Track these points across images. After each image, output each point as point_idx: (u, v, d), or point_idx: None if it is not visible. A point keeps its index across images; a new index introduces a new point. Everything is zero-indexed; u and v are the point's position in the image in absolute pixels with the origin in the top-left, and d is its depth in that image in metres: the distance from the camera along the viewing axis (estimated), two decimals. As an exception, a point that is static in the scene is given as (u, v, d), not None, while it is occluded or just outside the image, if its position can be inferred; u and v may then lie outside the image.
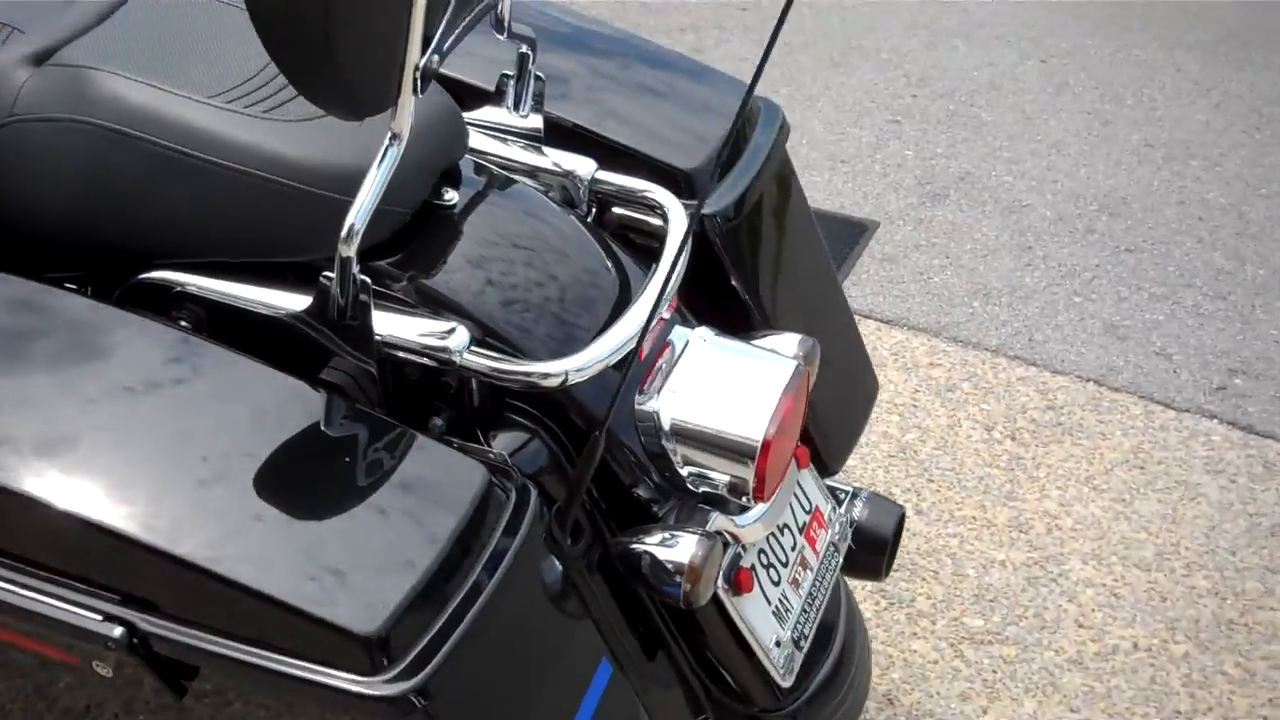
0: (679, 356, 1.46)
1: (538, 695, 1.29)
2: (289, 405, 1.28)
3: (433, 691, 1.12)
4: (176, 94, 1.39)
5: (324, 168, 1.36)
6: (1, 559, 1.21)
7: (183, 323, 1.42)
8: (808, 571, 1.63)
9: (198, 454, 1.21)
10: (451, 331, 1.34)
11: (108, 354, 1.29)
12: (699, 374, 1.45)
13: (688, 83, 1.79)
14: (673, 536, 1.41)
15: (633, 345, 1.36)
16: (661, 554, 1.40)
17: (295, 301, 1.36)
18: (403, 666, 1.14)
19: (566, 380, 1.34)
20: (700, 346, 1.48)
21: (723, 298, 1.68)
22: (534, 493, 1.28)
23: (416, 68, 1.23)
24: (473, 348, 1.33)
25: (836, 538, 1.71)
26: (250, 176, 1.36)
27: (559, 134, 1.63)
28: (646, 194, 1.58)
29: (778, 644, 1.56)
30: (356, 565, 1.17)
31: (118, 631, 1.19)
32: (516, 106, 1.60)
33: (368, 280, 1.29)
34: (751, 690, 1.57)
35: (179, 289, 1.41)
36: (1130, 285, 3.35)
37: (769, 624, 1.55)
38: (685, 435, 1.43)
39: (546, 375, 1.35)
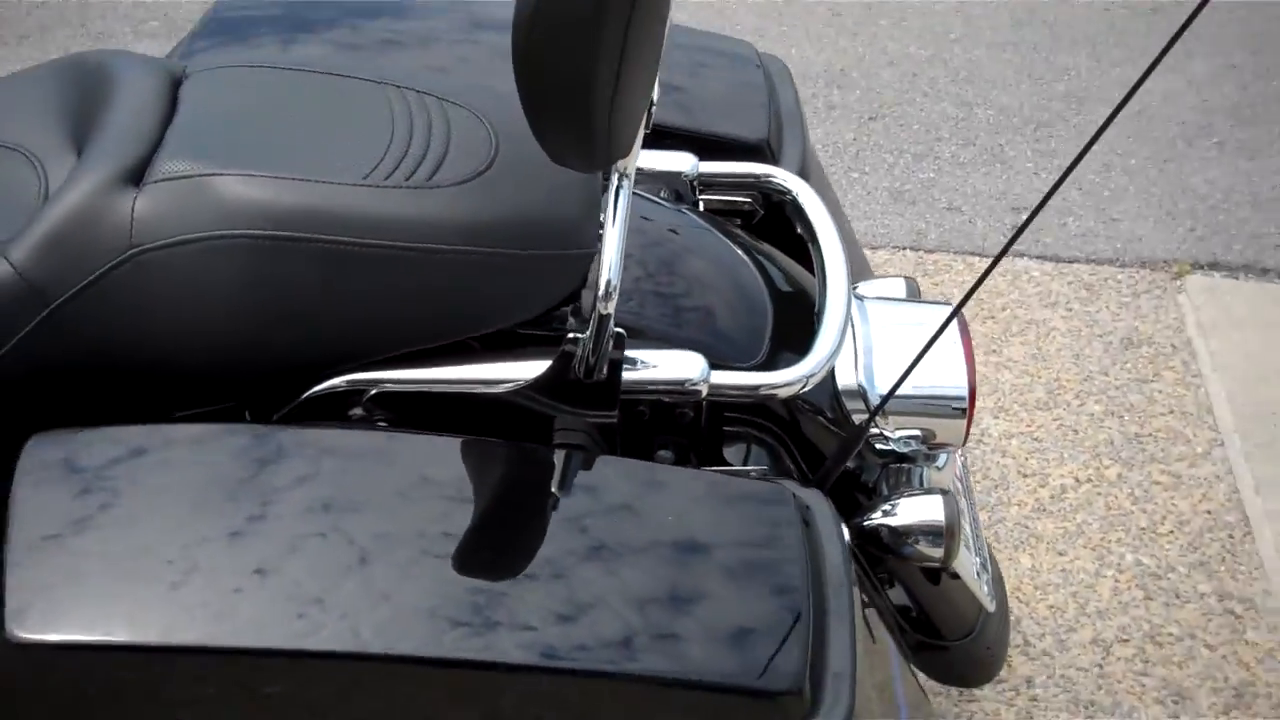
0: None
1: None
2: (579, 480, 1.20)
3: None
4: (328, 183, 1.24)
5: (520, 226, 1.26)
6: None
7: (381, 423, 1.29)
8: (963, 499, 1.68)
9: (542, 556, 1.12)
10: (688, 361, 1.29)
11: (396, 475, 1.17)
12: (878, 337, 1.45)
13: (702, 53, 1.75)
14: (900, 503, 1.42)
15: (839, 339, 1.35)
16: (911, 521, 1.40)
17: (507, 373, 1.27)
18: (824, 707, 1.12)
19: (806, 385, 1.32)
20: (870, 310, 1.48)
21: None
22: (827, 500, 1.26)
23: (652, 105, 1.17)
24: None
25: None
26: (443, 253, 1.24)
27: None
28: (760, 176, 1.55)
29: (978, 573, 1.60)
30: (734, 623, 1.12)
31: None
32: None
33: (623, 333, 1.22)
34: (962, 622, 1.61)
35: (372, 390, 1.28)
36: (891, 150, 3.53)
37: (968, 555, 1.59)
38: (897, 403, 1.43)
39: (788, 383, 1.32)
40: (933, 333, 1.31)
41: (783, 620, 1.12)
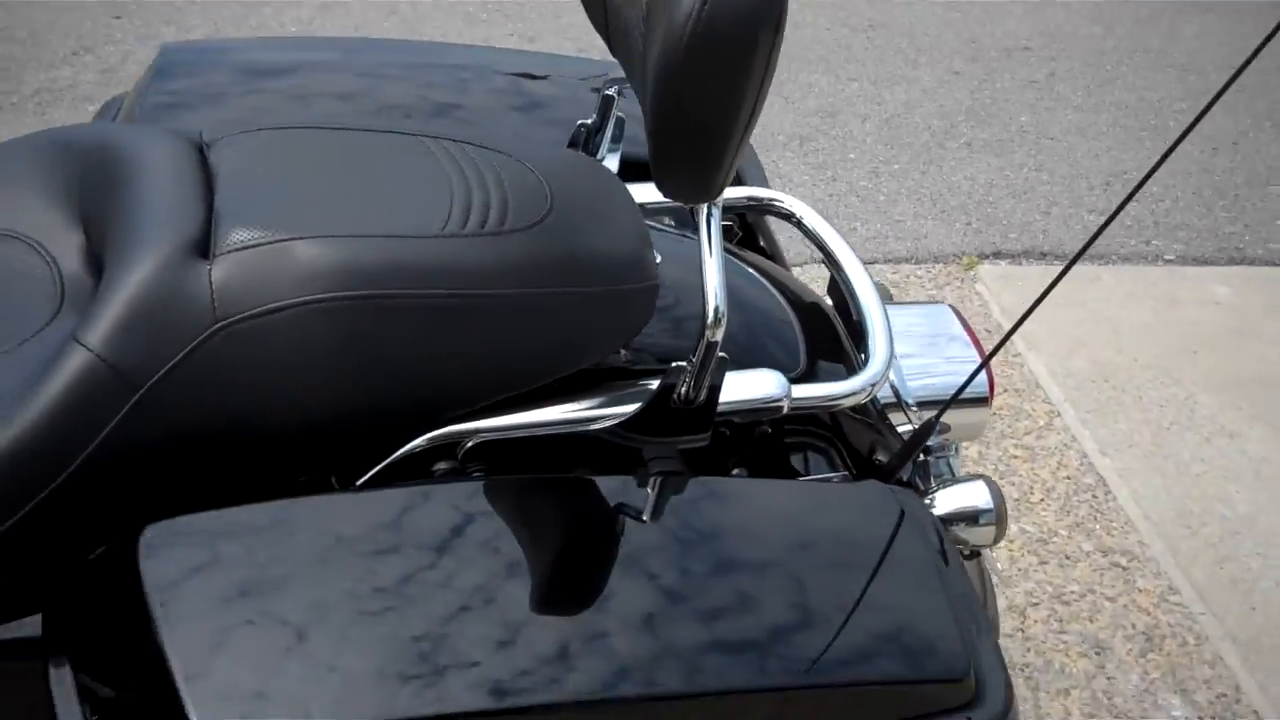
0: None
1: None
2: (698, 504, 1.21)
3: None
4: (407, 238, 1.20)
5: (594, 264, 1.26)
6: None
7: (476, 474, 1.27)
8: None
9: (694, 580, 1.13)
10: (770, 379, 1.32)
11: (524, 519, 1.15)
12: (897, 339, 1.51)
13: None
14: (947, 491, 1.48)
15: (890, 344, 1.41)
16: (962, 507, 1.46)
17: (603, 410, 1.27)
18: (987, 687, 1.17)
19: (872, 392, 1.37)
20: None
21: None
22: (912, 494, 1.32)
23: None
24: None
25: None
26: (527, 297, 1.22)
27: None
28: (765, 200, 1.59)
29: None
30: (890, 620, 1.16)
31: None
32: (597, 149, 1.53)
33: (726, 357, 1.24)
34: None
35: (468, 443, 1.25)
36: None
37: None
38: (927, 402, 1.49)
39: (857, 392, 1.36)
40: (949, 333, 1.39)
41: (932, 610, 1.15)
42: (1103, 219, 3.11)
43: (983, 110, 3.95)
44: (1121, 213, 1.18)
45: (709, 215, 1.17)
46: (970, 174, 3.62)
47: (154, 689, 1.02)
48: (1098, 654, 2.18)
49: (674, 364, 1.19)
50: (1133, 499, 2.49)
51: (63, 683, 1.09)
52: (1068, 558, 2.37)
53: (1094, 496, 2.51)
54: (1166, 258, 3.35)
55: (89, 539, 1.14)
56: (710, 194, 1.11)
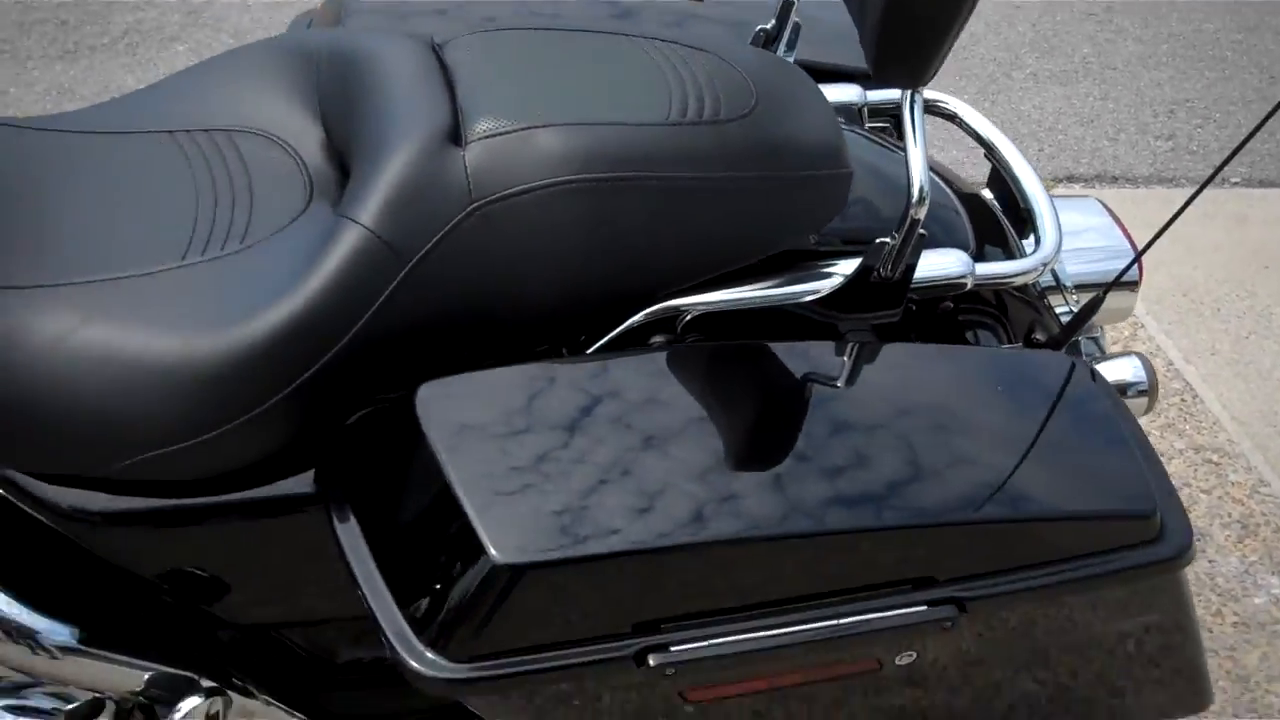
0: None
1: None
2: (900, 366, 1.33)
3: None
4: (644, 125, 1.32)
5: (800, 151, 1.37)
6: (809, 600, 1.19)
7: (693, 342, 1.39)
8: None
9: (908, 431, 1.25)
10: (955, 257, 1.43)
11: (745, 379, 1.28)
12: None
13: None
14: (1102, 366, 1.60)
15: (1059, 227, 1.52)
16: (1116, 380, 1.58)
17: (810, 284, 1.39)
18: (1169, 524, 1.30)
19: (1044, 271, 1.49)
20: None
21: None
22: (1082, 362, 1.44)
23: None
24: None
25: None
26: (744, 180, 1.34)
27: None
28: (935, 102, 1.70)
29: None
30: (1081, 464, 1.29)
31: (948, 610, 1.23)
32: (775, 52, 1.63)
33: (926, 234, 1.35)
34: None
35: (687, 316, 1.37)
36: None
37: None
38: (1082, 286, 1.62)
39: (1031, 270, 1.48)
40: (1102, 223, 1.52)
41: (1119, 455, 1.28)
42: (1170, 144, 3.20)
43: (1045, 43, 4.04)
44: (1187, 139, 1.29)
45: (913, 100, 1.29)
46: (1038, 103, 3.73)
47: (438, 528, 1.15)
48: (1198, 540, 2.31)
49: (877, 240, 1.30)
50: (1219, 402, 2.62)
51: (350, 532, 1.22)
52: (1162, 455, 2.49)
53: (1182, 400, 2.64)
54: (1233, 181, 3.46)
55: (354, 403, 1.27)
56: (923, 79, 1.23)
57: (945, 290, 1.41)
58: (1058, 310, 1.60)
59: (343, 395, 1.25)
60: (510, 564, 1.08)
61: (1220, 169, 1.38)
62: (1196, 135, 3.55)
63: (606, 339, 1.31)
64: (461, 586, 1.11)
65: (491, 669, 1.12)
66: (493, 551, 1.08)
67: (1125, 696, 1.38)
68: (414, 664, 1.12)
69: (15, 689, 1.34)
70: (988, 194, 1.63)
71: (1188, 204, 1.33)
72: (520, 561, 1.08)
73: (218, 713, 1.33)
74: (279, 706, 1.42)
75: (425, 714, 1.53)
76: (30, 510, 1.25)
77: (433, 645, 1.12)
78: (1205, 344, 2.77)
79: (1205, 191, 1.34)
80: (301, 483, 1.28)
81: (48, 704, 1.34)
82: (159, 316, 1.21)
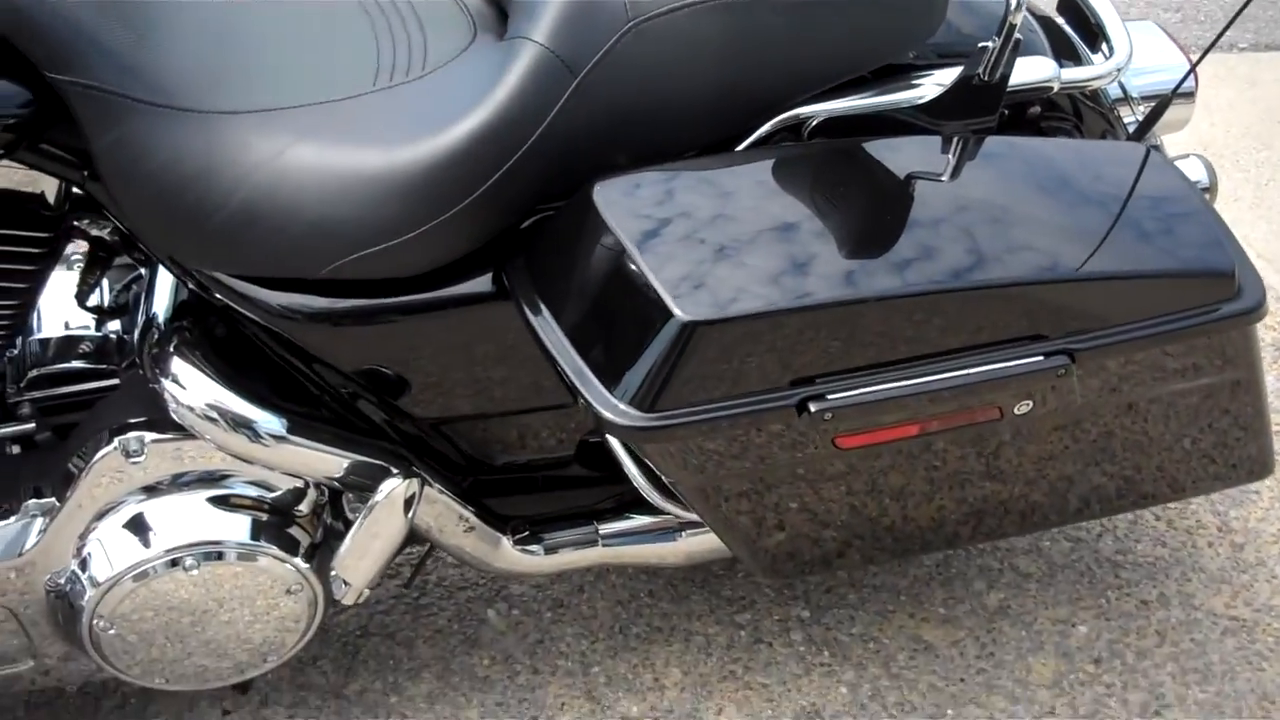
0: None
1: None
2: (1001, 156, 1.49)
3: None
4: None
5: None
6: (944, 355, 1.37)
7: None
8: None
9: (1051, 209, 1.43)
10: (1043, 64, 1.60)
11: (870, 172, 1.46)
12: None
13: None
14: None
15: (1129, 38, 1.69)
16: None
17: (918, 91, 1.55)
18: (1245, 283, 1.48)
19: (1118, 76, 1.66)
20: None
21: None
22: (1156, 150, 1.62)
23: None
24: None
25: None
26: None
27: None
28: None
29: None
30: (1167, 231, 1.47)
31: (1061, 360, 1.41)
32: None
33: (1022, 39, 1.51)
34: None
35: (813, 121, 1.54)
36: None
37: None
38: (1146, 96, 1.79)
39: (1108, 74, 1.65)
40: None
41: (1200, 222, 1.47)
42: (1178, 15, 3.35)
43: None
44: (1194, 10, 1.46)
45: None
46: (1051, -19, 3.88)
47: (623, 299, 1.32)
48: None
49: (979, 44, 1.47)
50: (1245, 242, 2.80)
51: (540, 316, 1.40)
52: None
53: (1210, 241, 2.82)
54: (1240, 46, 3.63)
55: (529, 210, 1.44)
56: None
57: (1035, 94, 1.57)
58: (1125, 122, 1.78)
59: (521, 201, 1.42)
60: (693, 321, 1.26)
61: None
62: (1203, 6, 3.71)
63: (747, 142, 1.48)
64: (648, 345, 1.29)
65: (673, 418, 1.31)
66: (677, 311, 1.26)
67: (1193, 461, 1.57)
68: (607, 414, 1.30)
69: (219, 479, 1.52)
70: (1058, 18, 1.80)
71: (1231, 22, 1.50)
72: (701, 319, 1.27)
73: (414, 495, 1.52)
74: (453, 499, 1.60)
75: (571, 518, 1.72)
76: (243, 310, 1.42)
77: (623, 397, 1.30)
78: (1228, 191, 2.95)
79: (1214, 55, 1.49)
80: (484, 283, 1.45)
81: (252, 492, 1.53)
82: (361, 133, 1.38)
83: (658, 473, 1.41)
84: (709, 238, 1.33)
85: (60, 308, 1.61)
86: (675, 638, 1.90)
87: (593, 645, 1.89)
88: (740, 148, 1.49)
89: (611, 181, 1.37)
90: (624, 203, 1.35)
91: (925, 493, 1.47)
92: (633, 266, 1.30)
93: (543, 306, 1.38)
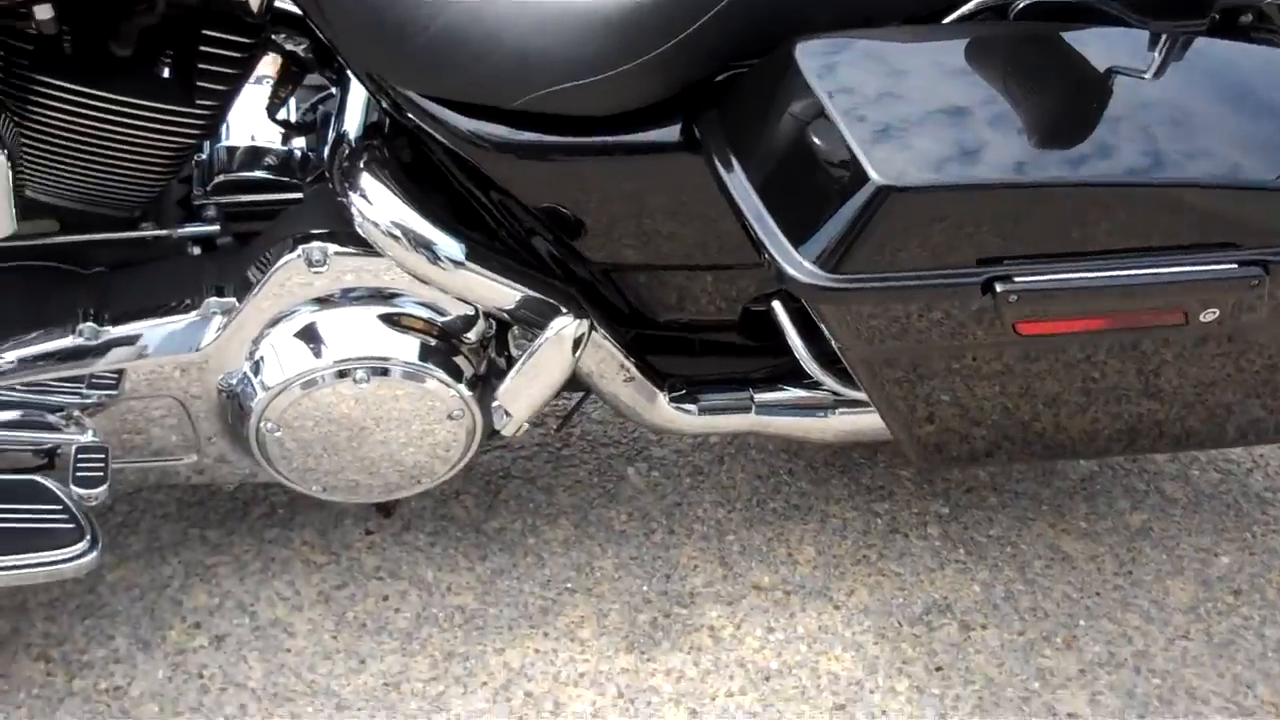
0: None
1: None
2: (1215, 56, 1.45)
3: None
4: None
5: None
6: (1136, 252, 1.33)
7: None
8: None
9: (1258, 115, 1.38)
10: None
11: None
12: None
13: None
14: None
15: None
16: None
17: None
18: None
19: None
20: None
21: None
22: None
23: None
24: None
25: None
26: None
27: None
28: None
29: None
30: None
31: (1256, 271, 1.37)
32: None
33: None
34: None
35: (1019, 4, 1.49)
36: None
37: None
38: None
39: None
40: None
41: None
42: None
43: None
44: None
45: None
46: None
47: (818, 159, 1.31)
48: None
49: None
50: None
51: (730, 168, 1.39)
52: None
53: None
54: None
55: (723, 64, 1.43)
56: None
57: (1247, 2, 1.51)
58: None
59: (718, 53, 1.41)
60: (889, 185, 1.24)
61: None
62: None
63: (953, 16, 1.45)
64: (840, 206, 1.28)
65: (855, 281, 1.30)
66: (873, 175, 1.25)
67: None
68: (790, 271, 1.30)
69: (390, 297, 1.55)
70: None
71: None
72: (897, 184, 1.25)
73: (582, 336, 1.53)
74: (616, 347, 1.61)
75: (726, 382, 1.72)
76: (433, 133, 1.43)
77: (809, 256, 1.29)
78: None
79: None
80: (671, 133, 1.45)
81: (423, 314, 1.55)
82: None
83: (828, 338, 1.40)
84: (908, 107, 1.31)
85: (247, 120, 1.64)
86: (811, 517, 1.90)
87: (729, 514, 1.90)
88: (946, 20, 1.45)
89: (814, 41, 1.36)
90: (825, 63, 1.34)
91: (1081, 403, 1.46)
92: (830, 127, 1.28)
93: (734, 161, 1.37)
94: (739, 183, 1.36)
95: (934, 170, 1.26)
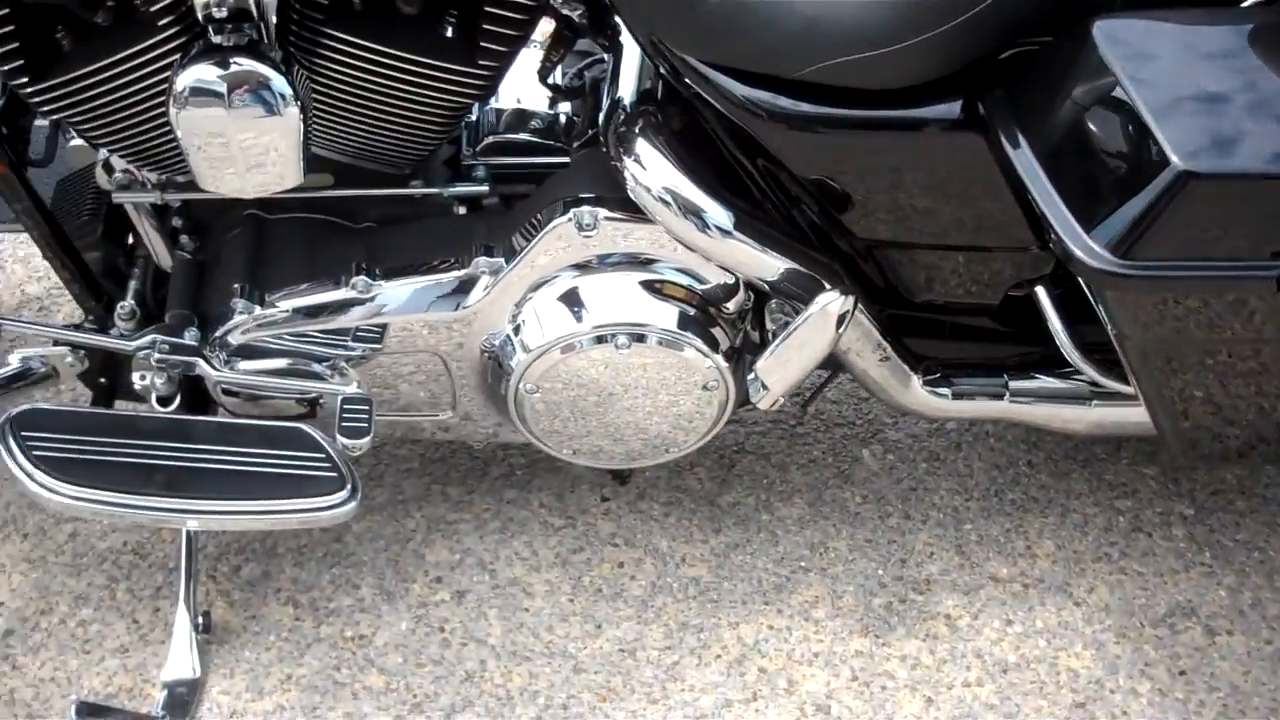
0: None
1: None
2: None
3: None
4: None
5: None
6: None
7: None
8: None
9: None
10: None
11: None
12: None
13: None
14: None
15: None
16: None
17: None
18: None
19: None
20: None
21: None
22: None
23: None
24: None
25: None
26: None
27: None
28: None
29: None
30: None
31: None
32: None
33: None
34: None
35: None
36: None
37: None
38: None
39: None
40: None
41: None
42: None
43: None
44: None
45: None
46: None
47: (1115, 141, 1.27)
48: None
49: None
50: None
51: (1017, 147, 1.35)
52: None
53: None
54: None
55: (1008, 40, 1.39)
56: None
57: None
58: None
59: (1006, 30, 1.38)
60: (1190, 171, 1.20)
61: None
62: None
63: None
64: (1134, 190, 1.24)
65: (1146, 268, 1.26)
66: (1175, 159, 1.20)
67: None
68: (1078, 253, 1.26)
69: (650, 264, 1.54)
70: None
71: None
72: (1199, 170, 1.20)
73: (846, 312, 1.51)
74: (875, 326, 1.59)
75: (980, 367, 1.69)
76: (710, 100, 1.43)
77: (1100, 240, 1.25)
78: None
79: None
80: (952, 110, 1.42)
81: (683, 282, 1.55)
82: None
83: (1106, 324, 1.36)
84: (1211, 91, 1.26)
85: (514, 84, 1.65)
86: (1051, 511, 1.86)
87: (966, 502, 1.87)
88: (1246, 3, 1.40)
89: (1114, 20, 1.32)
90: (1125, 43, 1.30)
91: None
92: (1129, 108, 1.24)
93: (1021, 139, 1.34)
94: (1026, 162, 1.33)
95: (1236, 158, 1.22)
